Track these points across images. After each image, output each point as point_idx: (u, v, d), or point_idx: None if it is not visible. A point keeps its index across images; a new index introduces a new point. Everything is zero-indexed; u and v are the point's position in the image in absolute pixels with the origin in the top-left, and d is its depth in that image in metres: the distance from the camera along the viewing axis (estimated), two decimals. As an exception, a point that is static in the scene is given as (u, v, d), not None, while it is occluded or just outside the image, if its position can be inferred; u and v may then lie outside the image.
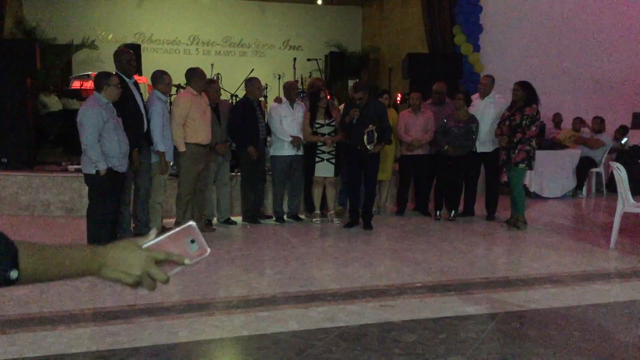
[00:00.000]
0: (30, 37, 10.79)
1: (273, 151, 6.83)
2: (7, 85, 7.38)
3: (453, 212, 6.91)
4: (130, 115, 5.24)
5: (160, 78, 5.72)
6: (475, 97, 7.05)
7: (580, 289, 4.42)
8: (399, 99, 9.47)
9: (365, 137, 6.16)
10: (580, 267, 5.07)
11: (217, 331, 3.51)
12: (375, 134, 6.21)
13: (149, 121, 5.49)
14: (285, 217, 6.94)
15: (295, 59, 10.86)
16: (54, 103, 10.55)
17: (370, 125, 6.17)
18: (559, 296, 4.22)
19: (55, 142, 10.33)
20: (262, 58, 13.74)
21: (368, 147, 6.19)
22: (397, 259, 5.25)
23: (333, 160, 6.61)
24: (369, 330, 3.53)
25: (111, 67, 5.44)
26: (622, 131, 9.59)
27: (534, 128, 6.17)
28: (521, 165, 6.24)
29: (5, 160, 7.28)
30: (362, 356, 3.16)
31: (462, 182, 7.03)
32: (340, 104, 7.42)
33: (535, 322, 3.69)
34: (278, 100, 7.01)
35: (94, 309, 3.83)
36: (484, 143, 6.76)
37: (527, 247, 5.80)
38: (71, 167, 7.23)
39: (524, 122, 6.15)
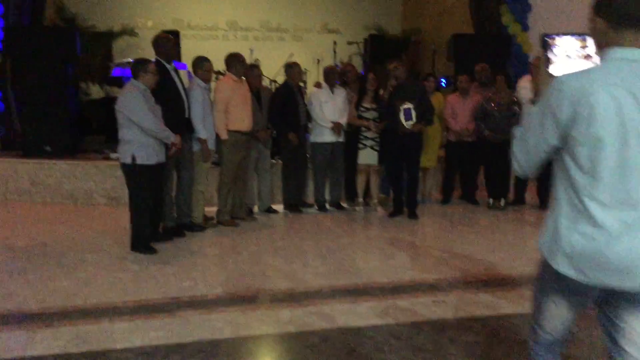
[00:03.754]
0: (70, 24, 10.84)
1: (313, 138, 6.64)
2: (49, 73, 7.38)
3: (503, 200, 6.61)
4: (171, 101, 5.12)
5: (200, 64, 5.59)
6: (526, 78, 6.69)
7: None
8: (443, 83, 9.16)
9: (401, 114, 5.93)
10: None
11: (263, 326, 3.39)
12: (414, 112, 5.96)
13: (189, 108, 5.37)
14: (327, 205, 6.77)
15: (335, 43, 10.61)
16: (95, 91, 10.62)
17: (407, 103, 5.93)
18: (624, 292, 3.94)
19: (98, 130, 10.41)
20: (300, 42, 13.53)
21: (405, 124, 5.95)
22: (446, 250, 5.03)
23: (377, 147, 6.39)
24: (422, 329, 3.34)
25: (151, 54, 5.33)
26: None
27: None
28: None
29: (49, 148, 7.31)
30: (415, 357, 2.98)
31: (508, 169, 6.72)
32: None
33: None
34: (318, 85, 6.81)
35: (138, 301, 3.76)
36: (538, 128, 6.41)
37: (583, 238, 5.49)
38: (113, 155, 7.20)
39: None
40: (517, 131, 1.90)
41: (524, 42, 9.10)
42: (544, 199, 6.70)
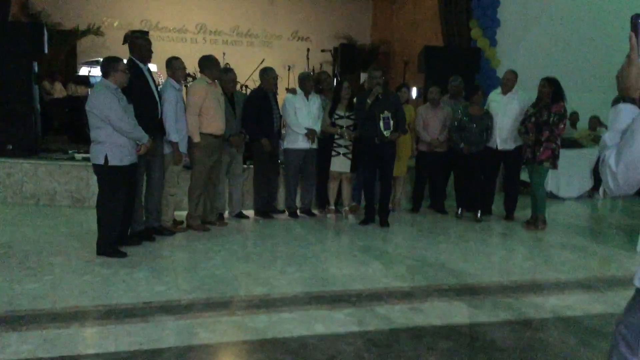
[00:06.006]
0: (35, 21, 10.54)
1: (286, 144, 6.61)
2: (13, 70, 7.13)
3: (480, 212, 6.68)
4: (144, 102, 5.01)
5: (173, 64, 5.51)
6: (495, 93, 6.83)
7: (612, 295, 4.23)
8: (414, 93, 9.26)
9: (381, 122, 5.97)
10: (609, 271, 4.90)
11: (240, 333, 3.33)
12: (392, 121, 6.01)
13: (162, 110, 5.27)
14: (298, 212, 6.73)
15: (308, 50, 10.63)
16: (58, 90, 10.34)
17: (386, 112, 5.98)
18: (593, 303, 4.04)
19: (59, 130, 10.12)
20: (270, 49, 13.54)
21: (385, 133, 5.99)
22: (418, 259, 5.06)
23: (350, 155, 6.41)
24: (400, 336, 3.34)
25: (116, 53, 5.18)
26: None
27: (562, 126, 5.97)
28: (546, 164, 6.06)
29: (11, 147, 7.06)
30: (397, 364, 2.98)
31: (480, 180, 6.81)
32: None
33: (575, 330, 3.51)
34: (292, 91, 6.78)
35: (108, 305, 3.64)
36: (506, 140, 6.53)
37: (551, 250, 5.61)
38: (78, 156, 7.01)
39: (552, 119, 5.95)
40: (609, 139, 1.53)
41: (491, 57, 9.31)
42: (510, 211, 6.83)
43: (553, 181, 8.33)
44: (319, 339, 3.26)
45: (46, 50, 7.46)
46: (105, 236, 4.75)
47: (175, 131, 5.35)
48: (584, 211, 8.01)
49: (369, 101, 6.02)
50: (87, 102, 4.63)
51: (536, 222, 6.34)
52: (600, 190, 8.80)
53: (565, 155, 8.04)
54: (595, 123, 9.35)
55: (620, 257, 5.39)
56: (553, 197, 8.37)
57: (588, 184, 8.67)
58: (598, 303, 4.04)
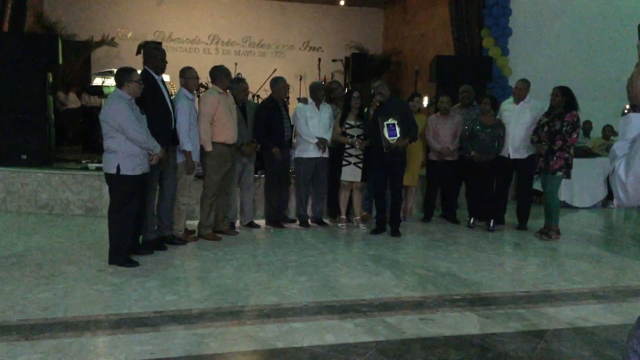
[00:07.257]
0: (50, 32, 10.70)
1: (297, 153, 6.62)
2: (28, 81, 7.22)
3: (492, 222, 6.64)
4: (159, 113, 5.05)
5: (186, 74, 5.56)
6: (508, 102, 6.80)
7: (627, 306, 4.18)
8: (425, 102, 9.26)
9: (385, 129, 5.95)
10: (624, 282, 4.83)
11: (251, 342, 3.32)
12: (398, 128, 5.99)
13: (175, 119, 5.31)
14: (309, 221, 6.73)
15: (320, 60, 10.68)
16: (72, 100, 10.46)
17: (390, 119, 5.96)
18: (608, 313, 3.99)
19: (73, 140, 10.24)
20: (282, 59, 13.61)
21: (390, 140, 5.96)
22: (430, 268, 5.03)
23: (360, 165, 6.40)
24: (412, 347, 3.32)
25: (130, 64, 5.24)
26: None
27: (575, 135, 5.93)
28: (559, 174, 6.02)
29: (25, 157, 7.13)
30: (408, 375, 2.96)
31: (492, 190, 6.77)
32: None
33: (589, 341, 3.46)
34: (303, 100, 6.81)
35: (120, 314, 3.65)
36: (518, 149, 6.50)
37: (564, 260, 5.56)
38: (91, 165, 7.07)
39: (565, 128, 5.92)
40: (619, 149, 1.48)
41: (503, 65, 9.28)
42: (523, 220, 6.77)
43: (566, 190, 8.27)
44: (330, 349, 3.24)
45: (61, 61, 7.55)
46: (116, 245, 4.78)
47: (189, 140, 5.39)
48: (598, 221, 7.94)
49: (370, 111, 6.04)
50: (101, 112, 4.69)
51: (549, 231, 6.29)
52: (615, 200, 8.69)
53: (578, 164, 8.00)
54: (609, 132, 9.28)
55: (635, 267, 5.32)
56: (567, 206, 8.30)
57: (602, 193, 8.59)
58: (612, 314, 3.98)
